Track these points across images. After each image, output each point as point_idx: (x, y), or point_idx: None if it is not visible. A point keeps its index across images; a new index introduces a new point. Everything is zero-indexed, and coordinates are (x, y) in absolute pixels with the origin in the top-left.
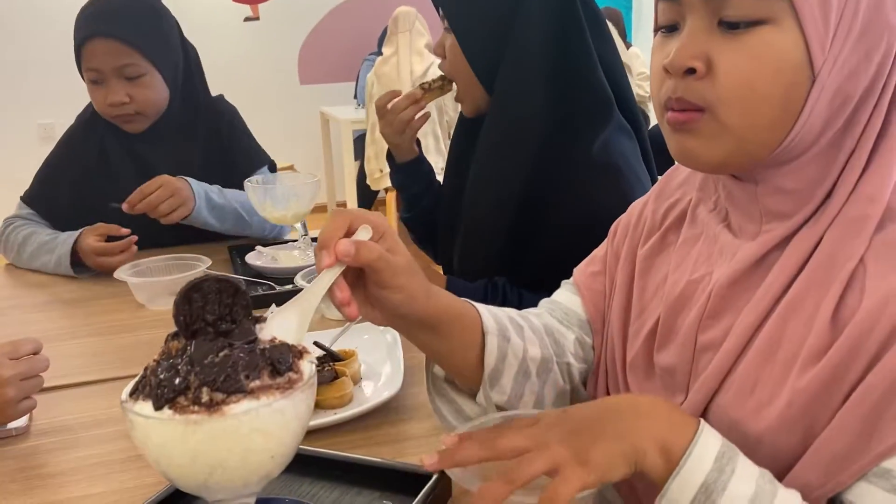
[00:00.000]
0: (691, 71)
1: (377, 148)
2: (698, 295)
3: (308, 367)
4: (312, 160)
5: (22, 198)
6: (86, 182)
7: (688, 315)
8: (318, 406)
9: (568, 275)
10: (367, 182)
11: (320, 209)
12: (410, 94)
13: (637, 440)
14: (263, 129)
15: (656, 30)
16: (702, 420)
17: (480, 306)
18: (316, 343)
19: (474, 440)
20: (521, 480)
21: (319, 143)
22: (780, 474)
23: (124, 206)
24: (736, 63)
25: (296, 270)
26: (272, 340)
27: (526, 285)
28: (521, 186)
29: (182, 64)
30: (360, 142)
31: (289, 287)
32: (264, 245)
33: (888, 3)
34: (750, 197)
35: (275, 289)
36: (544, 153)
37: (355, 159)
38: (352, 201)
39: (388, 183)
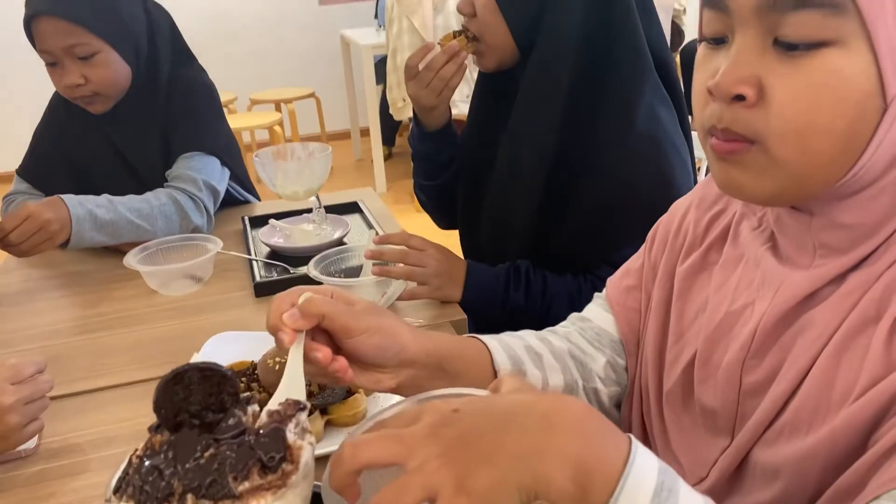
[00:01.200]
0: (740, 97)
1: (399, 76)
2: (739, 328)
3: (306, 451)
4: (334, 85)
5: (17, 171)
6: (74, 158)
7: (728, 348)
8: (331, 423)
9: (598, 253)
10: (390, 111)
11: (344, 136)
12: (448, 48)
13: (541, 465)
14: (283, 54)
15: (701, 39)
16: (630, 437)
17: (491, 340)
18: None
19: (336, 454)
20: None
21: (340, 67)
22: None
23: None
24: (793, 91)
25: (310, 250)
26: (263, 425)
27: (553, 261)
28: (556, 151)
29: (147, 35)
30: (381, 65)
31: (302, 271)
32: (278, 218)
33: None
34: (803, 227)
35: (289, 272)
36: (581, 117)
37: (377, 83)
38: (375, 128)
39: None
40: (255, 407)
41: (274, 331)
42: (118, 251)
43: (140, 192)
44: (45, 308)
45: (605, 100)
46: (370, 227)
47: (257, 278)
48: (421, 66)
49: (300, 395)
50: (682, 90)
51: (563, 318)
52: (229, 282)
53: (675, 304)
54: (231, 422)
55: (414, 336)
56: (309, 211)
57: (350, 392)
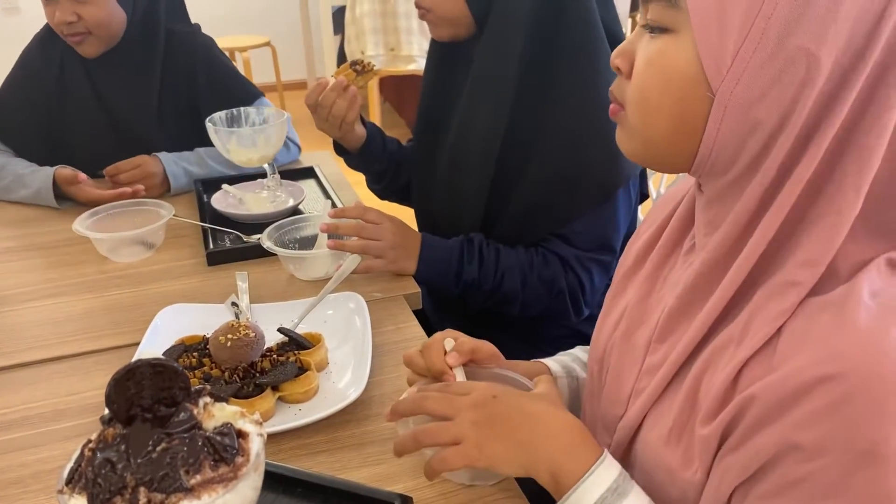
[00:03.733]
0: (619, 69)
1: (357, 28)
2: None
3: (256, 442)
4: (290, 34)
5: None
6: (46, 107)
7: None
8: (282, 399)
9: (549, 226)
10: None
11: (300, 86)
12: (336, 84)
13: (535, 456)
14: (239, 1)
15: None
16: (605, 451)
17: (548, 360)
18: (280, 330)
19: (411, 396)
20: (426, 444)
21: (297, 15)
22: None
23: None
24: (639, 67)
25: (264, 219)
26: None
27: (505, 233)
28: (509, 125)
29: None
30: (339, 15)
31: (255, 239)
32: (230, 183)
33: (804, 29)
34: (698, 206)
35: (242, 241)
36: (535, 92)
37: (335, 34)
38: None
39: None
40: (207, 399)
41: (440, 375)
42: (69, 212)
43: (117, 144)
44: None
45: (560, 76)
46: (326, 195)
47: (210, 247)
48: (318, 102)
49: None
50: None
51: (515, 291)
52: (182, 249)
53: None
54: (182, 416)
55: (509, 367)
56: (263, 176)
57: (302, 369)
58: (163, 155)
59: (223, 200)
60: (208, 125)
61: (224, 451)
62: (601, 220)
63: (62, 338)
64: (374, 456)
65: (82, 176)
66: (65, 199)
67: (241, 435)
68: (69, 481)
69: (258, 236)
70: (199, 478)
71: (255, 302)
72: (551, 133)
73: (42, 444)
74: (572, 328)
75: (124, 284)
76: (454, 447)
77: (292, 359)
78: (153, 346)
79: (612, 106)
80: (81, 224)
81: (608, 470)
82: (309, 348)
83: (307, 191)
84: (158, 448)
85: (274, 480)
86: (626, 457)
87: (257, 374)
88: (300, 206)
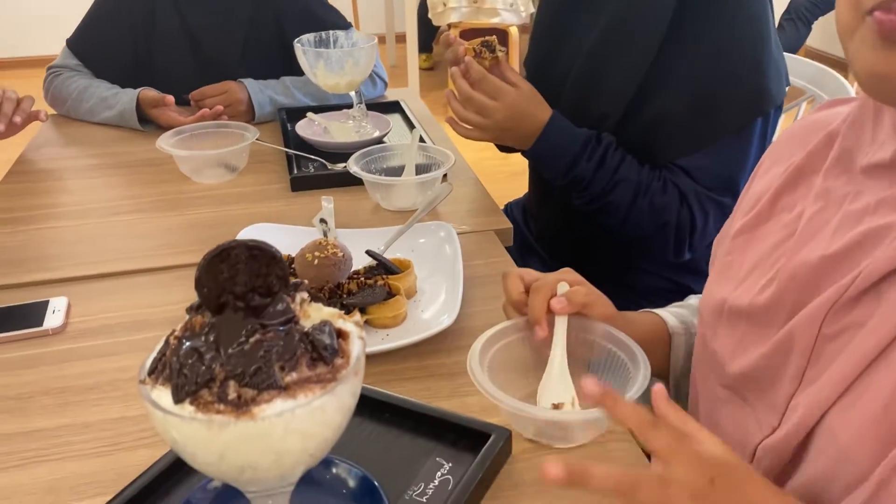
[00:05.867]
0: None
1: None
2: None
3: (357, 344)
4: None
5: (68, 43)
6: (133, 33)
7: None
8: (369, 324)
9: (679, 147)
10: (429, 16)
11: (378, 40)
12: (454, 59)
13: None
14: None
15: None
16: None
17: (663, 312)
18: (368, 252)
19: (611, 473)
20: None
21: None
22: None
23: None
24: None
25: (349, 148)
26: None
27: (634, 144)
28: (674, 19)
29: None
30: None
31: (340, 167)
32: (315, 112)
33: None
34: None
35: (326, 168)
36: None
37: None
38: (412, 33)
39: (452, 18)
40: (304, 295)
41: (537, 321)
42: (152, 134)
43: (200, 75)
44: (75, 187)
45: None
46: (412, 127)
47: (294, 172)
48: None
49: (566, 369)
50: None
51: (621, 206)
52: (264, 174)
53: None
54: (279, 307)
55: (623, 322)
56: (349, 107)
57: (391, 293)
58: (249, 82)
59: (307, 128)
60: (296, 46)
61: (324, 349)
62: (730, 157)
63: (143, 252)
64: (465, 387)
65: (169, 98)
66: (147, 123)
67: (341, 335)
68: (152, 371)
69: (343, 165)
70: (294, 376)
71: (339, 228)
72: (708, 42)
73: (120, 352)
74: (671, 279)
75: (206, 204)
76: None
77: (380, 282)
78: None
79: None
80: (165, 142)
81: None
82: (397, 273)
83: (392, 123)
84: (252, 339)
85: (361, 404)
86: (803, 443)
87: (344, 296)
88: (385, 139)
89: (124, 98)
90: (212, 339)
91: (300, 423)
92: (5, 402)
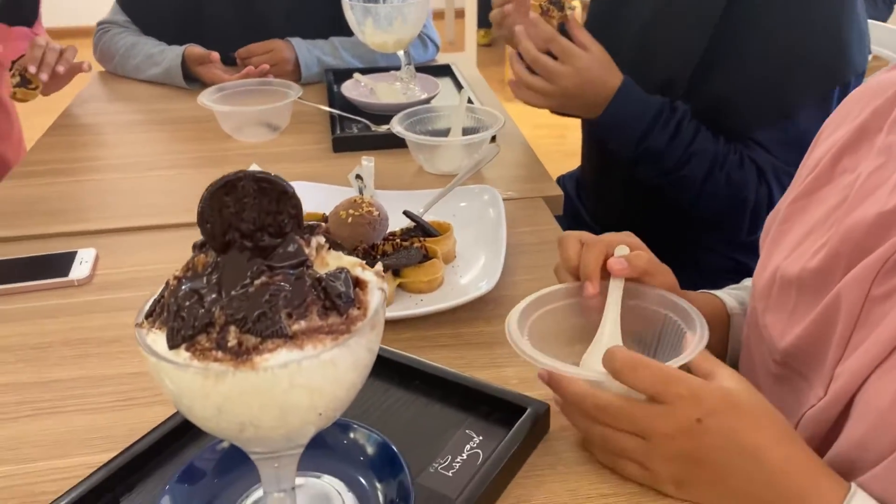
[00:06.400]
0: None
1: None
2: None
3: (375, 297)
4: None
5: (118, 0)
6: None
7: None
8: (404, 288)
9: (756, 118)
10: None
11: (437, 15)
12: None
13: None
14: None
15: None
16: (853, 488)
17: (721, 293)
18: (406, 213)
19: (583, 403)
20: (603, 451)
21: None
22: None
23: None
24: None
25: (394, 110)
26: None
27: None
28: None
29: None
30: None
31: (385, 129)
32: (363, 73)
33: None
34: None
35: (370, 129)
36: None
37: None
38: (471, 8)
39: None
40: (321, 239)
41: (589, 277)
42: (196, 91)
43: (247, 34)
44: (116, 141)
45: None
46: (459, 89)
47: (336, 132)
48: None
49: (618, 336)
50: None
51: (695, 181)
52: (307, 134)
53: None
54: (290, 248)
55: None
56: (397, 69)
57: (427, 256)
58: (296, 41)
59: (353, 89)
60: (344, 1)
61: (338, 296)
62: (808, 129)
63: (177, 208)
64: (502, 357)
65: (214, 55)
66: (193, 81)
67: (359, 284)
68: (150, 314)
69: (387, 126)
70: (303, 324)
71: (379, 189)
72: (772, 8)
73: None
74: (735, 259)
75: (245, 163)
76: (640, 470)
77: (417, 245)
78: None
79: None
80: (207, 98)
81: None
82: (436, 236)
83: (441, 87)
84: (257, 282)
85: (388, 369)
86: (844, 411)
87: (378, 257)
88: (432, 101)
89: (170, 55)
90: (214, 280)
91: (307, 378)
92: (24, 351)
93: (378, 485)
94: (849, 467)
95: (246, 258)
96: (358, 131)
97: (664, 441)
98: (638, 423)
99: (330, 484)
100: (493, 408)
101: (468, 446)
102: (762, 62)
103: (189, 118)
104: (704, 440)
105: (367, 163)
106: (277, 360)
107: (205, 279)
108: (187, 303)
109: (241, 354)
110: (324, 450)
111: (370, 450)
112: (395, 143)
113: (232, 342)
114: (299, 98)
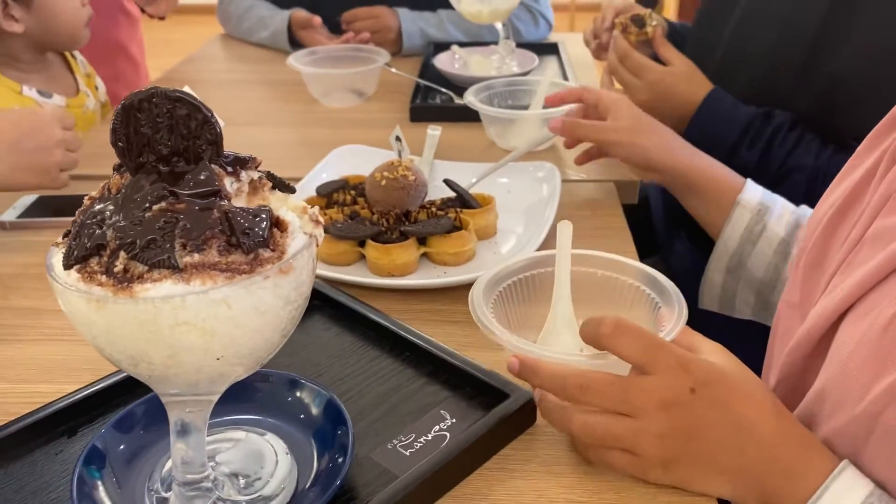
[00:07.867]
0: None
1: None
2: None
3: (298, 240)
4: None
5: None
6: None
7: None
8: (430, 259)
9: (861, 116)
10: None
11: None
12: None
13: (743, 485)
14: None
15: None
16: (845, 465)
17: (755, 185)
18: (447, 181)
19: (621, 332)
20: (587, 440)
21: None
22: None
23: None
24: None
25: (483, 81)
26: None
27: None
28: None
29: None
30: None
31: (459, 103)
32: (462, 45)
33: None
34: None
35: (452, 101)
36: None
37: None
38: None
39: None
40: (255, 175)
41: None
42: (285, 53)
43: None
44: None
45: None
46: (564, 76)
47: (416, 102)
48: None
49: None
50: None
51: (793, 197)
52: (391, 102)
53: None
54: (202, 176)
55: (663, 147)
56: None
57: (457, 227)
58: (402, 11)
59: (447, 61)
60: None
61: (244, 233)
62: None
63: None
64: None
65: (317, 19)
66: (298, 45)
67: (279, 225)
68: (66, 234)
69: (460, 101)
70: (196, 257)
71: (439, 159)
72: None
73: None
74: None
75: (324, 125)
76: (627, 457)
77: (451, 215)
78: (318, 180)
79: None
80: (298, 60)
81: (850, 492)
82: (475, 208)
83: (539, 62)
84: (155, 207)
85: (382, 336)
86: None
87: (408, 224)
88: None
89: (278, 18)
90: (119, 202)
91: (194, 315)
92: (42, 280)
93: (317, 451)
94: (809, 420)
95: (150, 182)
96: (441, 102)
97: (656, 416)
98: (628, 397)
99: (270, 443)
100: (477, 391)
101: (437, 427)
102: (867, 51)
103: (286, 81)
104: (698, 412)
105: (432, 132)
106: (159, 291)
107: (111, 202)
108: (87, 222)
109: (123, 281)
110: (257, 403)
111: (315, 410)
112: (472, 116)
113: (118, 268)
114: (386, 65)
